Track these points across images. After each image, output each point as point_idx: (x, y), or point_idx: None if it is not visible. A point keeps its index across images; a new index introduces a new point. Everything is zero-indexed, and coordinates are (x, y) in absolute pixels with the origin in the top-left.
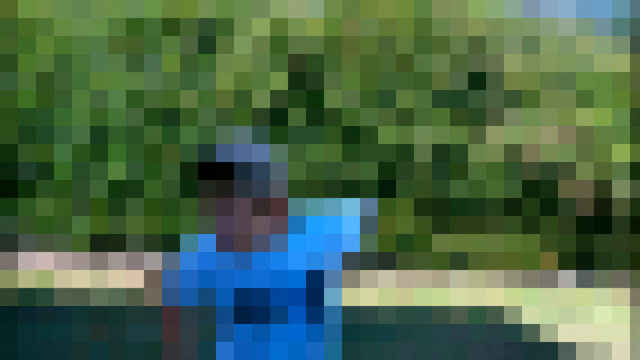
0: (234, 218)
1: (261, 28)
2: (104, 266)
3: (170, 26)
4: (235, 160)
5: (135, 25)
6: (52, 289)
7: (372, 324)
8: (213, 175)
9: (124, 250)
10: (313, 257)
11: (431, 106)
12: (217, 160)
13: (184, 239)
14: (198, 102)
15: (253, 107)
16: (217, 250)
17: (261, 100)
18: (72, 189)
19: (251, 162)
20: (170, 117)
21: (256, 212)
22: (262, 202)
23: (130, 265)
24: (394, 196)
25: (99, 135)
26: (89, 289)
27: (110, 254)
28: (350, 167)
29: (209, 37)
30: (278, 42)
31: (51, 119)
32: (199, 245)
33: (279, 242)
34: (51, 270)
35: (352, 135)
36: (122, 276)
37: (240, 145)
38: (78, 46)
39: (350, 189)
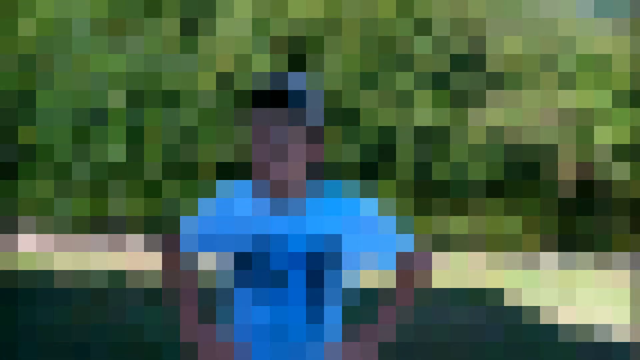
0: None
1: (259, 9)
2: (104, 248)
3: (153, 8)
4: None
5: (117, 7)
6: (52, 271)
7: (371, 305)
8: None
9: (124, 232)
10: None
11: (413, 88)
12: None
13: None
14: (190, 84)
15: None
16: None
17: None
18: (60, 171)
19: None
20: (153, 99)
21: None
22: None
23: (130, 247)
24: (376, 178)
25: (82, 117)
26: (89, 270)
27: (109, 235)
28: (332, 149)
29: (194, 19)
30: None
31: (33, 101)
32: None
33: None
34: (51, 252)
35: (334, 118)
36: (122, 258)
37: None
38: (60, 28)
39: (331, 171)
